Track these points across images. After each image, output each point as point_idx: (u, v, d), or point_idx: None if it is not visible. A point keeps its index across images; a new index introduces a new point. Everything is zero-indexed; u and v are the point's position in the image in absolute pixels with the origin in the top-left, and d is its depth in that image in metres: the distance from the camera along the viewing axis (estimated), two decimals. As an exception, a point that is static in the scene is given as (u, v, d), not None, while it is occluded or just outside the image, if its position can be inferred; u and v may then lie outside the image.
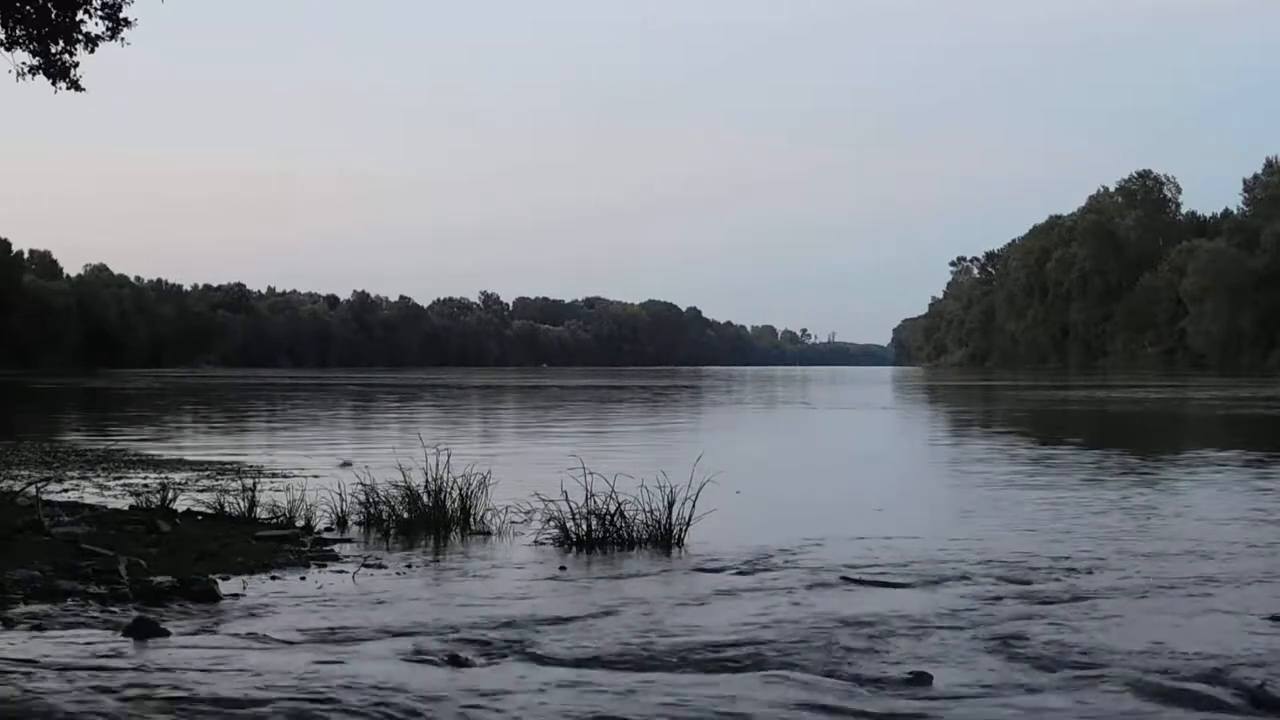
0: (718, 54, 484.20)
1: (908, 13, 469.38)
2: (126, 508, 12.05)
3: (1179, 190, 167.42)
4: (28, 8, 13.78)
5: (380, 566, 9.40)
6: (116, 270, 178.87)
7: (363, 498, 11.50)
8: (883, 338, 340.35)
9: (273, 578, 8.83)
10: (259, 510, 11.68)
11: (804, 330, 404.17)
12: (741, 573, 9.16)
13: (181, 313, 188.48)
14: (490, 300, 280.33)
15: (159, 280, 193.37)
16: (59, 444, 22.81)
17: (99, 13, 13.81)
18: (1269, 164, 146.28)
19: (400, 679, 5.99)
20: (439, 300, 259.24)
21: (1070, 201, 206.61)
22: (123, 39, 14.08)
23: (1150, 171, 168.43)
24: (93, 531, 10.29)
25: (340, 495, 11.60)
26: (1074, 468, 18.37)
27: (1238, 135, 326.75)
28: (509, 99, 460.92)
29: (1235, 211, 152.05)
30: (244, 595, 8.14)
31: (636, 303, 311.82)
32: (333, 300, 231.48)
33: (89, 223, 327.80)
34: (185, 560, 9.22)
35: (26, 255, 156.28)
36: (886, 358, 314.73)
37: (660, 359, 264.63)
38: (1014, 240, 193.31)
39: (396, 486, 11.35)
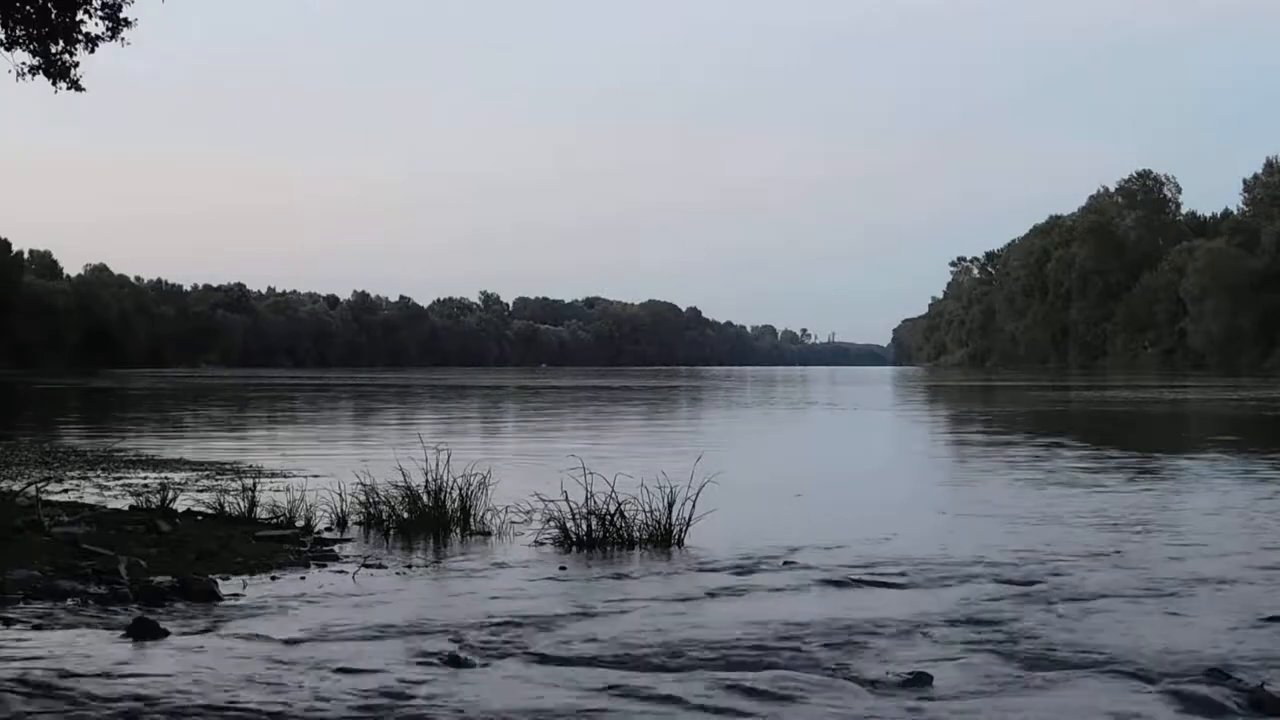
0: (718, 54, 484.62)
1: (909, 17, 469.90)
2: (126, 508, 12.03)
3: (1179, 190, 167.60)
4: (28, 8, 13.78)
5: (380, 566, 9.40)
6: (116, 270, 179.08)
7: (363, 498, 11.50)
8: (883, 338, 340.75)
9: (273, 578, 8.83)
10: (259, 510, 11.66)
11: (804, 330, 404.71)
12: (741, 573, 9.16)
13: (181, 313, 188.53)
14: (490, 300, 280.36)
15: (159, 280, 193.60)
16: (59, 444, 22.81)
17: (99, 13, 13.82)
18: (1269, 164, 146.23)
19: (400, 679, 5.99)
20: (439, 300, 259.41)
21: (1070, 201, 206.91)
22: (123, 39, 14.09)
23: (1150, 171, 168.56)
24: (93, 531, 10.28)
25: (340, 495, 11.60)
26: (1075, 467, 18.36)
27: (1238, 135, 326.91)
28: (507, 98, 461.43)
29: (1235, 211, 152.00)
30: (244, 595, 8.14)
31: (636, 303, 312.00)
32: (333, 300, 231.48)
33: (89, 223, 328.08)
34: (185, 560, 9.22)
35: (26, 255, 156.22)
36: (886, 358, 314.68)
37: (660, 359, 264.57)
38: (1014, 240, 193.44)
39: (396, 486, 11.35)
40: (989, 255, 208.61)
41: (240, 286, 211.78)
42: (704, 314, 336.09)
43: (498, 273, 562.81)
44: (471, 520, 11.25)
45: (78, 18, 13.80)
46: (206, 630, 7.09)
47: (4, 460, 18.14)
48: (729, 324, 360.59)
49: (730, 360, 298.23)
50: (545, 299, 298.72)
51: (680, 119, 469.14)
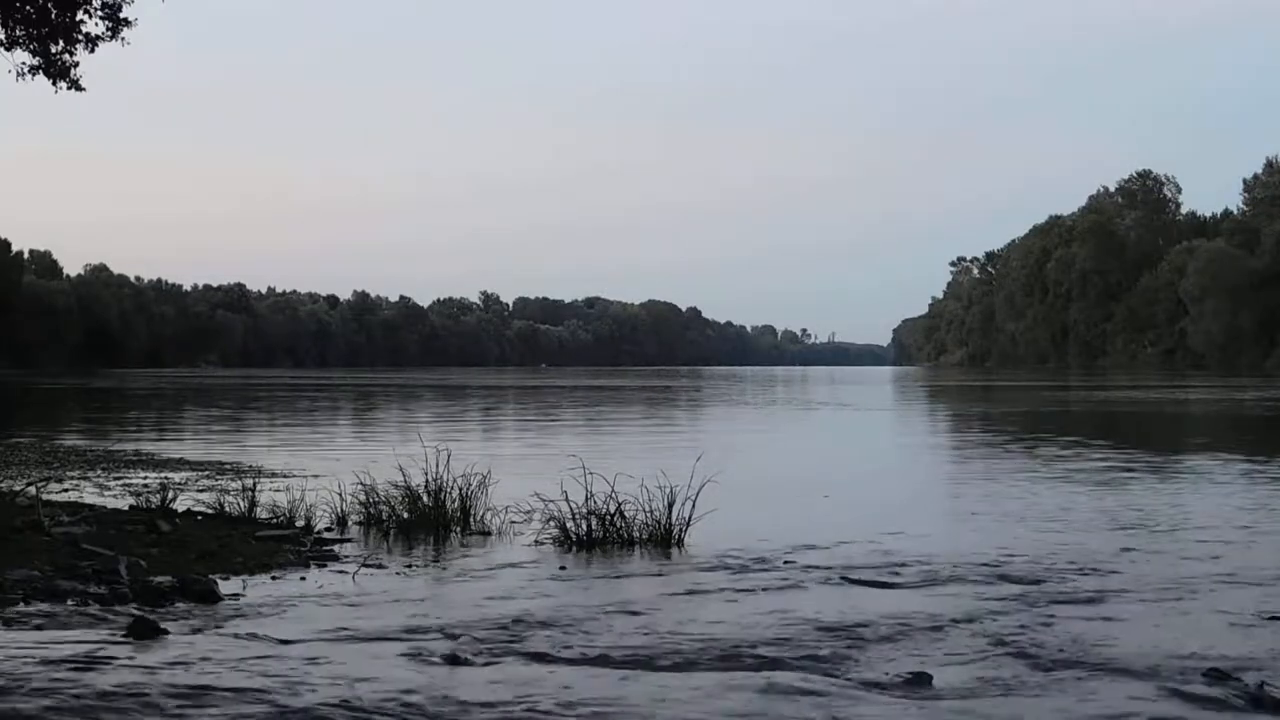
0: (718, 53, 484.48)
1: (909, 17, 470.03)
2: (126, 508, 12.03)
3: (1179, 190, 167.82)
4: (28, 8, 13.79)
5: (380, 566, 9.39)
6: (116, 270, 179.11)
7: (363, 498, 11.50)
8: (883, 338, 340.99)
9: (273, 578, 8.82)
10: (259, 510, 11.66)
11: (804, 330, 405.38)
12: (741, 573, 9.16)
13: (181, 313, 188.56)
14: (490, 300, 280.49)
15: (159, 280, 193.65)
16: (59, 444, 22.80)
17: (99, 13, 13.83)
18: (1269, 164, 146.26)
19: (400, 679, 5.99)
20: (439, 300, 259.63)
21: (1070, 201, 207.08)
22: (123, 39, 14.10)
23: (1150, 171, 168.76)
24: (93, 531, 10.27)
25: (340, 495, 11.60)
26: (1076, 467, 18.35)
27: (1238, 135, 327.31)
28: (507, 98, 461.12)
29: (1235, 211, 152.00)
30: (244, 595, 8.14)
31: (636, 303, 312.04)
32: (333, 300, 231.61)
33: (89, 223, 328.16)
34: (185, 560, 9.22)
35: (26, 255, 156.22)
36: (886, 358, 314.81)
37: (660, 359, 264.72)
38: (1014, 240, 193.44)
39: (396, 486, 11.35)
40: (989, 255, 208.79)
41: (240, 286, 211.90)
42: (704, 314, 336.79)
43: (498, 273, 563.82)
44: (471, 520, 11.25)
45: (78, 18, 13.81)
46: (206, 630, 7.08)
47: (4, 460, 18.13)
48: (729, 324, 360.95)
49: (730, 360, 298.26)
50: (545, 299, 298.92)
51: (680, 119, 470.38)
